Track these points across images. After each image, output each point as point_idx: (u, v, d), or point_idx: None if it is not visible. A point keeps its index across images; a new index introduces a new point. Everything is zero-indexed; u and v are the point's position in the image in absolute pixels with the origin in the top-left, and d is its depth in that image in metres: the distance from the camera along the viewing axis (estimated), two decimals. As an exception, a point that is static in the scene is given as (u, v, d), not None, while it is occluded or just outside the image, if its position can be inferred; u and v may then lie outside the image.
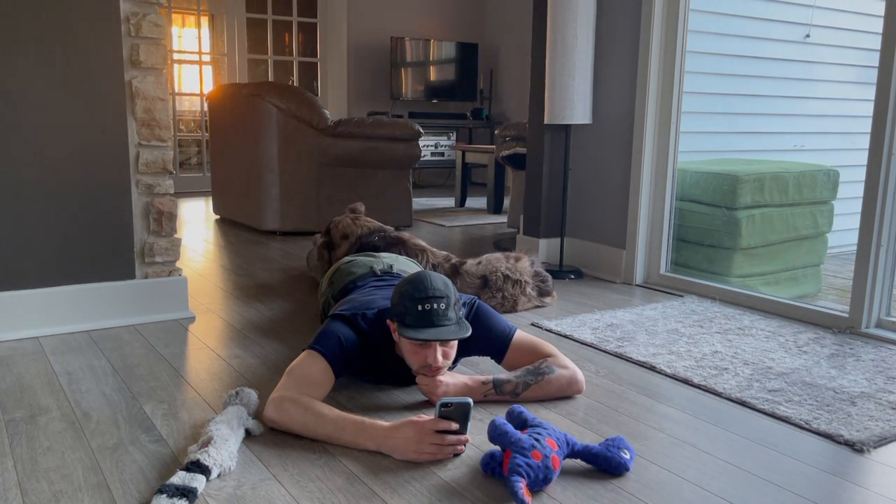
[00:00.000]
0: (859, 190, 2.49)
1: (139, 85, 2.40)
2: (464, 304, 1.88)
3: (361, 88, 7.09)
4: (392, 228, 2.98)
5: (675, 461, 1.56)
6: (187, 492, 1.32)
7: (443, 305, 1.68)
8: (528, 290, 2.75)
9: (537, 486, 1.39)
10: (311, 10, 6.92)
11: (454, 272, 2.75)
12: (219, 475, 1.43)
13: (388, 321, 1.77)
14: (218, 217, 4.98)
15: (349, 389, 1.91)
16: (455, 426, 1.51)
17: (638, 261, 3.25)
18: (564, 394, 1.88)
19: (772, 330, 2.53)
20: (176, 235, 2.55)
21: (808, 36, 3.93)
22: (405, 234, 2.86)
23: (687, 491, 1.44)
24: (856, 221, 2.51)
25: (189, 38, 6.61)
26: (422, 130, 4.58)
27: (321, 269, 2.96)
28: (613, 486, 1.45)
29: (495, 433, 1.44)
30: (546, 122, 3.27)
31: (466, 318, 1.86)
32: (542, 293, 2.81)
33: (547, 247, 3.58)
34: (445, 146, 7.07)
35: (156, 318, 2.52)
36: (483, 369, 2.07)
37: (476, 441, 1.61)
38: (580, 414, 1.80)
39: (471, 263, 2.77)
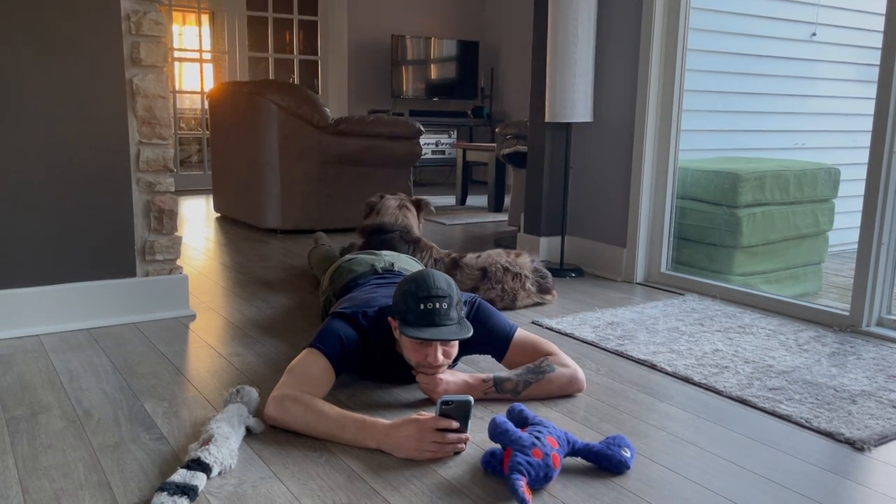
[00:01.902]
0: (860, 188, 2.48)
1: (140, 83, 2.40)
2: (465, 303, 1.88)
3: (362, 86, 7.09)
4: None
5: (676, 459, 1.56)
6: (188, 490, 1.32)
7: (445, 305, 1.68)
8: (528, 284, 2.75)
9: (538, 484, 1.39)
10: (312, 7, 6.92)
11: (454, 265, 2.75)
12: (220, 473, 1.43)
13: (389, 319, 1.77)
14: (219, 215, 4.98)
15: (350, 387, 1.91)
16: (456, 424, 1.51)
17: (639, 259, 3.25)
18: (565, 392, 1.88)
19: (772, 328, 2.53)
20: (177, 233, 2.55)
21: (814, 34, 3.93)
22: (422, 238, 2.92)
23: (688, 489, 1.44)
24: (857, 220, 2.51)
25: (190, 35, 6.61)
26: (422, 128, 4.58)
27: (322, 266, 2.96)
28: (614, 484, 1.45)
29: (496, 431, 1.44)
30: (547, 120, 3.27)
31: (467, 317, 1.85)
32: (542, 289, 2.81)
33: (548, 245, 3.58)
34: (446, 144, 7.06)
35: (156, 316, 2.52)
36: (483, 367, 2.07)
37: (477, 439, 1.61)
38: (581, 412, 1.80)
39: (471, 257, 2.78)
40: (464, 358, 2.10)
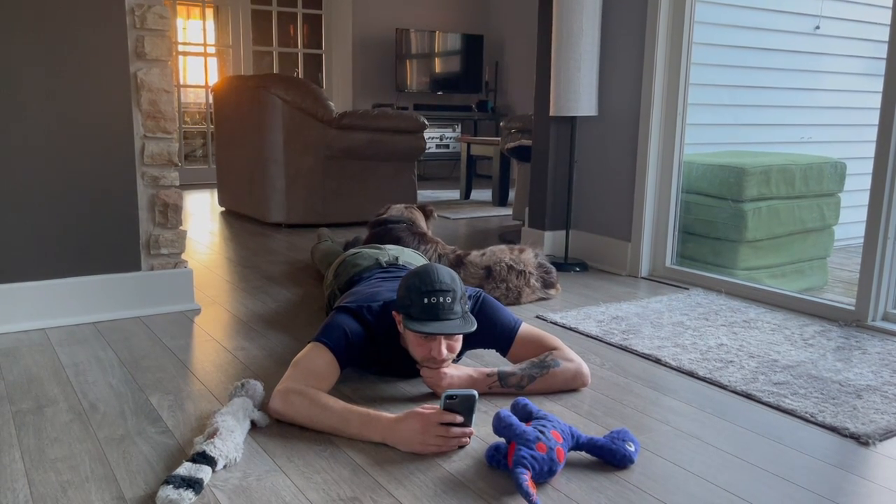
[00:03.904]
0: (866, 182, 2.48)
1: (144, 77, 2.40)
2: (469, 297, 1.88)
3: (366, 80, 7.08)
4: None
5: (680, 454, 1.56)
6: (193, 483, 1.32)
7: (449, 299, 1.68)
8: (533, 281, 2.75)
9: (542, 478, 1.40)
10: (316, 1, 6.91)
11: (458, 263, 2.75)
12: (225, 466, 1.44)
13: (393, 313, 1.77)
14: (223, 209, 4.99)
15: (354, 381, 1.91)
16: (460, 419, 1.52)
17: (643, 253, 3.24)
18: (569, 387, 1.88)
19: (777, 323, 2.53)
20: (181, 228, 2.55)
21: (818, 27, 3.91)
22: (428, 232, 2.93)
23: (692, 483, 1.44)
24: (863, 214, 2.50)
25: (194, 29, 6.61)
26: (427, 122, 4.58)
27: (325, 262, 2.97)
28: (618, 478, 1.45)
29: (500, 425, 1.44)
30: (552, 114, 3.26)
31: (472, 311, 1.85)
32: (547, 285, 2.81)
33: (552, 239, 3.58)
34: (451, 138, 7.05)
35: (162, 310, 2.53)
36: (488, 361, 2.07)
37: (481, 433, 1.62)
38: (585, 406, 1.80)
39: (475, 254, 2.78)
40: (468, 352, 2.10)
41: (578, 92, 3.15)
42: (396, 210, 3.02)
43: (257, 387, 1.71)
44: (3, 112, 2.21)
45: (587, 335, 2.37)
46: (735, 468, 1.50)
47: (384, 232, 2.88)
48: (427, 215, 3.14)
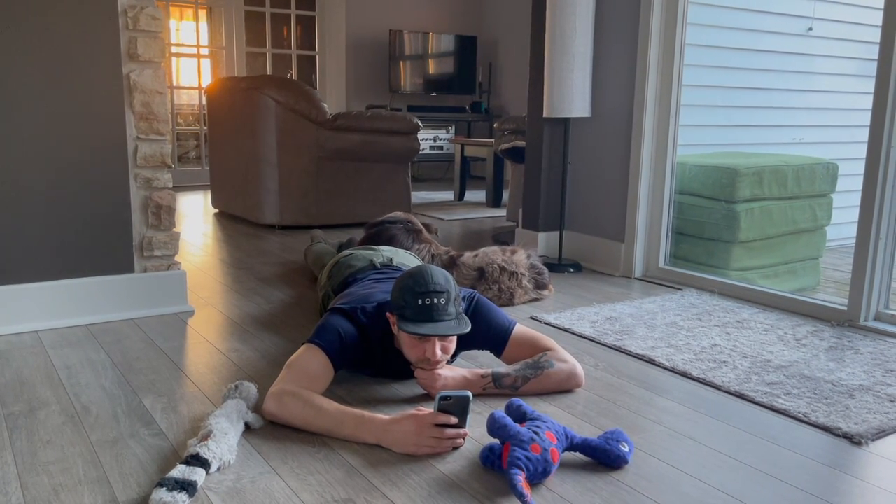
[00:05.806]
0: (858, 183, 2.49)
1: (137, 78, 2.39)
2: (463, 298, 1.88)
3: (360, 82, 7.08)
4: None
5: (674, 454, 1.57)
6: (187, 485, 1.32)
7: (443, 300, 1.68)
8: (525, 282, 2.75)
9: (536, 478, 1.40)
10: (310, 2, 6.90)
11: (451, 264, 2.75)
12: (218, 469, 1.43)
13: (388, 314, 1.77)
14: (217, 211, 4.98)
15: (348, 383, 1.91)
16: (454, 420, 1.52)
17: (637, 254, 3.25)
18: (563, 387, 1.88)
19: (770, 323, 2.54)
20: (174, 229, 2.54)
21: (811, 29, 3.93)
22: (424, 231, 2.94)
23: (686, 483, 1.44)
24: (855, 214, 2.51)
25: (187, 31, 6.60)
26: (420, 124, 4.58)
27: (319, 264, 2.96)
28: (612, 478, 1.45)
29: (494, 426, 1.44)
30: (545, 115, 3.27)
31: (466, 313, 1.86)
32: (539, 286, 2.82)
33: (546, 240, 3.58)
34: (444, 140, 7.06)
35: (155, 311, 2.52)
36: (482, 362, 2.08)
37: (475, 434, 1.62)
38: (579, 407, 1.80)
39: (468, 256, 2.78)
40: (462, 353, 2.10)
41: (572, 93, 3.16)
42: (394, 213, 3.03)
43: (251, 388, 1.70)
44: (-6, 113, 2.20)
45: (581, 336, 2.37)
46: (729, 468, 1.51)
47: (380, 231, 2.88)
48: (430, 231, 3.15)
